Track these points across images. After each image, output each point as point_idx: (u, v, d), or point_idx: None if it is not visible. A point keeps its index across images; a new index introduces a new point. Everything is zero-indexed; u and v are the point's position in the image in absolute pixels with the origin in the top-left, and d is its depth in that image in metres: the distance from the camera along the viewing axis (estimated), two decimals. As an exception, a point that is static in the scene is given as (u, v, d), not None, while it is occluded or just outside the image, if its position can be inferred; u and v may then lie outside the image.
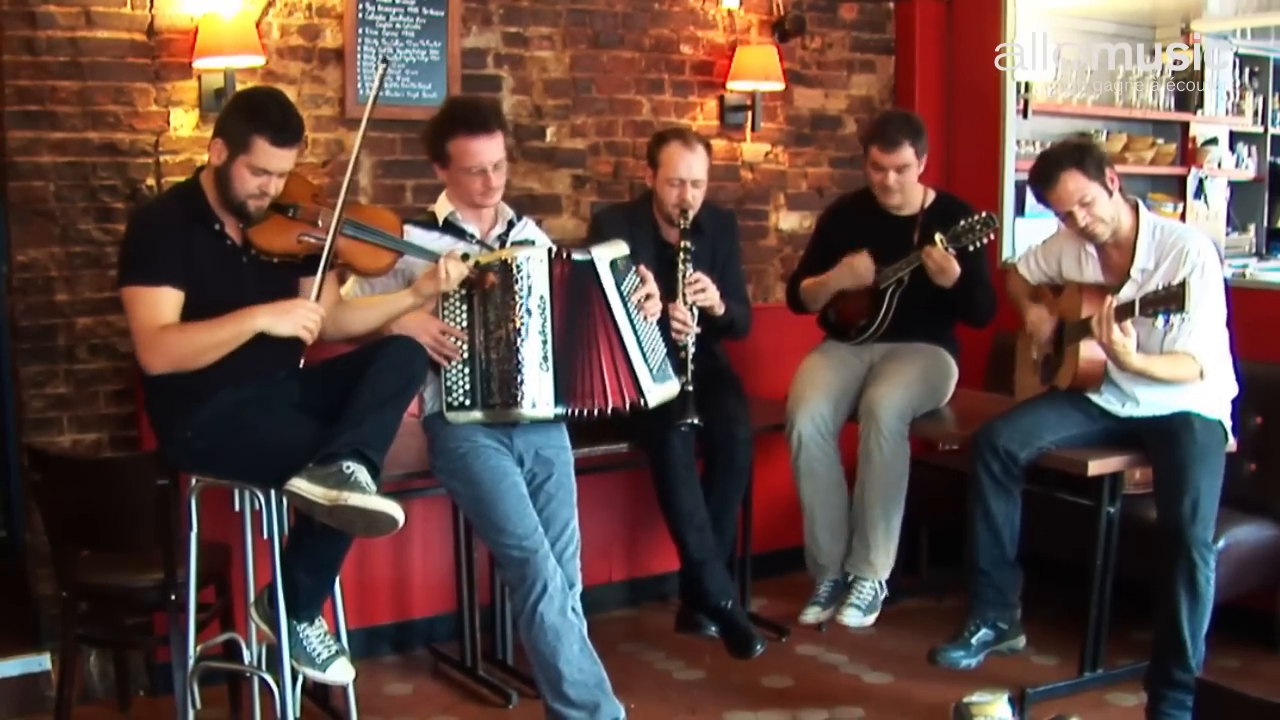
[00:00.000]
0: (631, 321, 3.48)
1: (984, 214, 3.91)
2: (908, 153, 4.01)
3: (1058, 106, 5.61)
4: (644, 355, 3.49)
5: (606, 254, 3.50)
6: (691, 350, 3.81)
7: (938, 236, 3.90)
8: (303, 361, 3.29)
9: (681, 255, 3.87)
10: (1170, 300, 3.26)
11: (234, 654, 3.42)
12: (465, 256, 3.33)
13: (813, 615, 4.12)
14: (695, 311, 3.85)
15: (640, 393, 3.46)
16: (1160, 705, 3.43)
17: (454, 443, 3.40)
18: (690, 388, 3.78)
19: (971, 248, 3.90)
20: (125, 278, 3.07)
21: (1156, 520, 3.49)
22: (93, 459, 3.78)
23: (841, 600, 4.06)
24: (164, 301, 3.01)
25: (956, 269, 3.90)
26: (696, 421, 3.76)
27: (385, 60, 3.55)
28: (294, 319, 3.07)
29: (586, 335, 3.44)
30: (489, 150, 3.46)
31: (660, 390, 3.51)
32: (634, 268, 3.55)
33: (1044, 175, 3.53)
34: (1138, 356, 3.41)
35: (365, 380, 3.03)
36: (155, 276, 3.01)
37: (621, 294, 3.48)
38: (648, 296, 3.53)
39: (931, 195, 4.16)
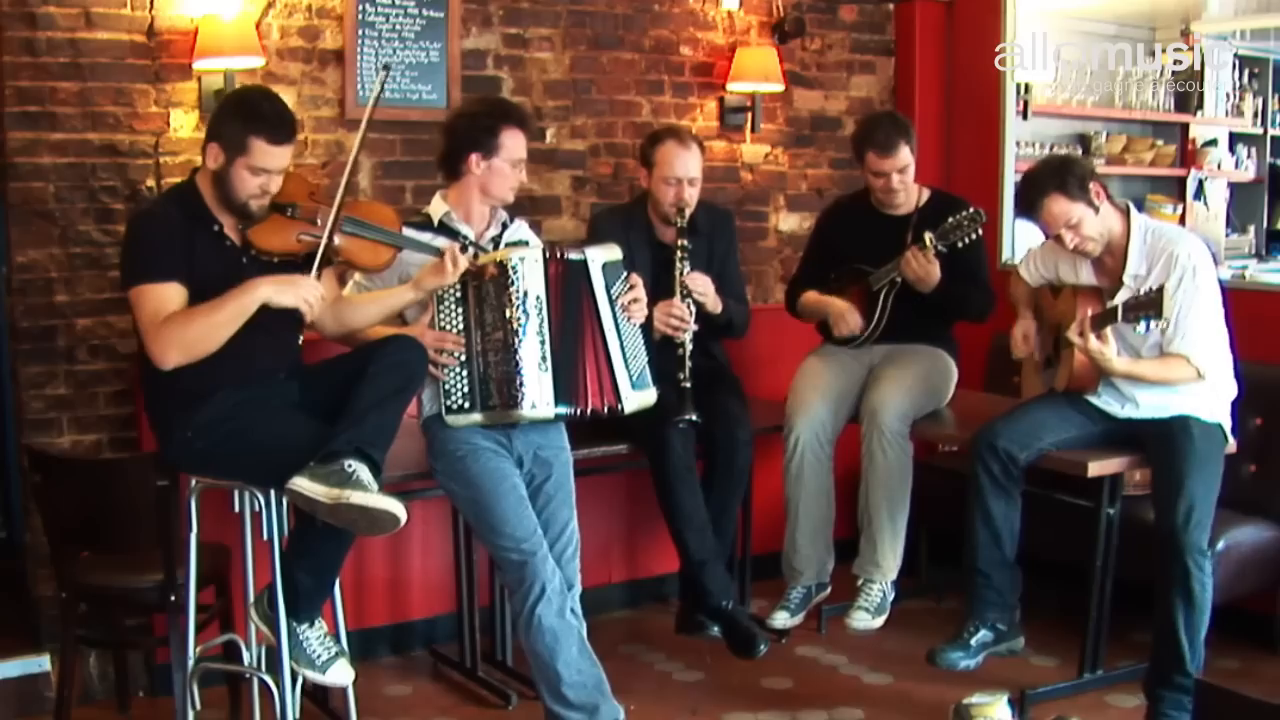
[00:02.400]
0: (617, 326, 3.48)
1: (971, 209, 3.90)
2: (905, 153, 4.00)
3: (1057, 107, 5.62)
4: (625, 361, 3.48)
5: (600, 256, 3.51)
6: (689, 347, 3.82)
7: (927, 236, 3.90)
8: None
9: (679, 253, 3.88)
10: (1149, 307, 3.28)
11: (234, 655, 3.42)
12: (464, 246, 3.35)
13: (781, 620, 4.07)
14: (693, 308, 3.85)
15: (618, 398, 3.46)
16: (1159, 707, 3.44)
17: (453, 445, 3.40)
18: (688, 384, 3.78)
19: (961, 243, 3.90)
20: (131, 278, 3.06)
21: (1154, 525, 3.49)
22: (92, 460, 3.79)
23: (850, 603, 4.04)
24: (169, 297, 3.00)
25: (935, 276, 3.90)
26: (694, 418, 3.76)
27: (386, 67, 3.55)
28: (297, 291, 3.05)
29: (575, 335, 3.44)
30: (526, 146, 3.58)
31: (637, 398, 3.50)
32: (624, 274, 3.55)
33: (1028, 201, 3.53)
34: (1120, 362, 3.43)
35: (366, 379, 3.03)
36: (161, 273, 3.00)
37: (610, 297, 3.49)
38: (634, 300, 3.53)
39: (926, 194, 4.16)
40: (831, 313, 4.16)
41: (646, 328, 3.63)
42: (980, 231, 3.91)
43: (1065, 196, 3.45)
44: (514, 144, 3.51)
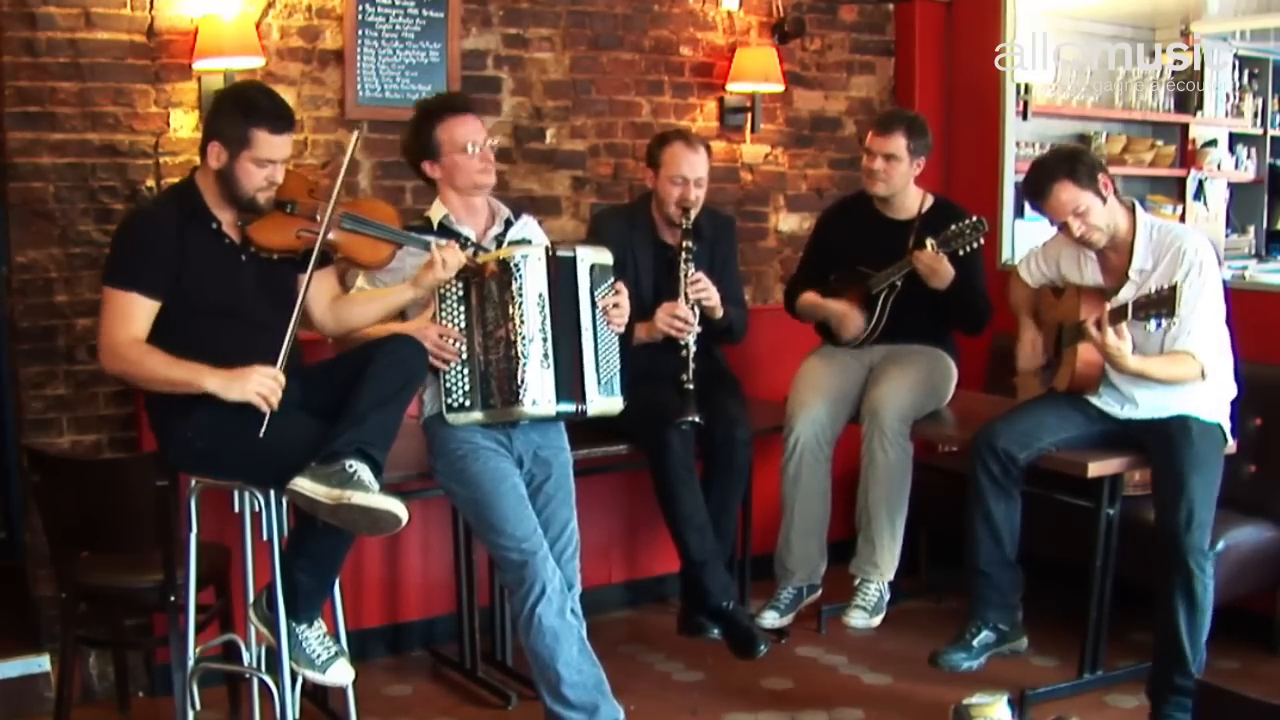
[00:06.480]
0: (595, 327, 3.47)
1: (974, 218, 3.91)
2: (899, 142, 4.02)
3: (1057, 108, 5.62)
4: (597, 364, 3.46)
5: (590, 256, 3.50)
6: (693, 349, 3.82)
7: (928, 241, 3.91)
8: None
9: (683, 255, 3.88)
10: (1161, 305, 3.26)
11: (233, 655, 3.42)
12: (464, 245, 3.34)
13: (770, 619, 4.10)
14: (697, 310, 3.85)
15: (584, 399, 3.42)
16: (1163, 709, 3.43)
17: (453, 444, 3.40)
18: (691, 386, 3.78)
19: (962, 251, 3.91)
20: (106, 277, 3.09)
21: (1155, 526, 3.49)
22: (92, 460, 3.78)
23: (847, 602, 4.06)
24: (135, 309, 3.01)
25: (949, 270, 3.92)
26: (697, 419, 3.76)
27: (355, 129, 3.48)
28: (246, 386, 2.97)
29: (564, 332, 3.43)
30: (477, 128, 3.51)
31: (602, 403, 3.46)
32: (612, 279, 3.54)
33: (1037, 187, 3.52)
34: (1134, 359, 3.41)
35: (366, 379, 3.03)
36: (133, 282, 3.02)
37: (593, 298, 3.47)
38: (615, 306, 3.51)
39: (929, 201, 4.16)
40: (832, 317, 4.18)
41: (625, 337, 3.60)
42: (982, 241, 3.92)
43: (1074, 183, 3.45)
44: (456, 133, 3.46)
